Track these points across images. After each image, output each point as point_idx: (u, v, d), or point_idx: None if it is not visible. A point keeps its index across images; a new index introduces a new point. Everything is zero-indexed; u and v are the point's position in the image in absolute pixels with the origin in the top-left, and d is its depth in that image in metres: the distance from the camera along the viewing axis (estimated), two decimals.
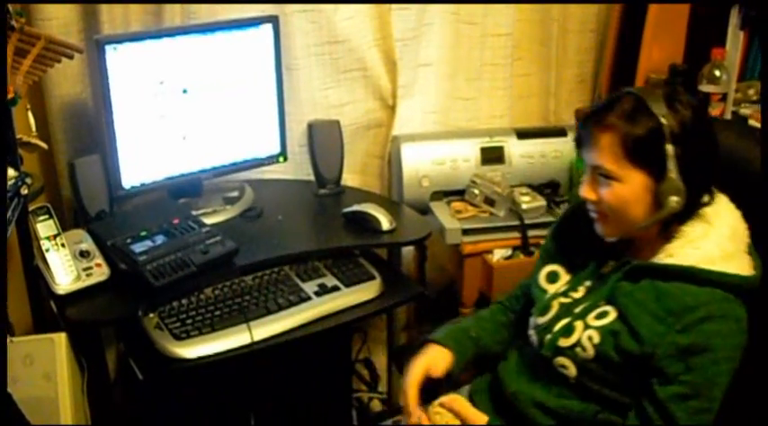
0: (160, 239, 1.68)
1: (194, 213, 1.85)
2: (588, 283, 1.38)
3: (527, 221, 2.08)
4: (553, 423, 1.35)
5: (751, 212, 1.33)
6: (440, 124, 2.34)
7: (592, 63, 2.46)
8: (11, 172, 1.41)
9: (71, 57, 1.64)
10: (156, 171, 1.88)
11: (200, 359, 1.54)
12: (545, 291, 1.43)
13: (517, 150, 2.22)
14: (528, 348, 1.45)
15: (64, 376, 1.70)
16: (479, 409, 1.38)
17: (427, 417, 1.39)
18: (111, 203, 1.84)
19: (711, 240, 1.27)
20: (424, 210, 2.15)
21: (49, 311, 1.72)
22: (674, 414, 1.21)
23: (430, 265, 2.37)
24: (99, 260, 1.67)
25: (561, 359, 1.33)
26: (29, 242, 1.75)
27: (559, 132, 2.28)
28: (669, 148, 1.22)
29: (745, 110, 2.06)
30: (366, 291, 1.76)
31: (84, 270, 1.65)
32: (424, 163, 2.17)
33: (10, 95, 1.46)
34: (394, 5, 2.14)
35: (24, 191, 1.42)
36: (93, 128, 1.95)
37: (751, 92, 2.12)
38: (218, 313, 1.63)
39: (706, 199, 1.30)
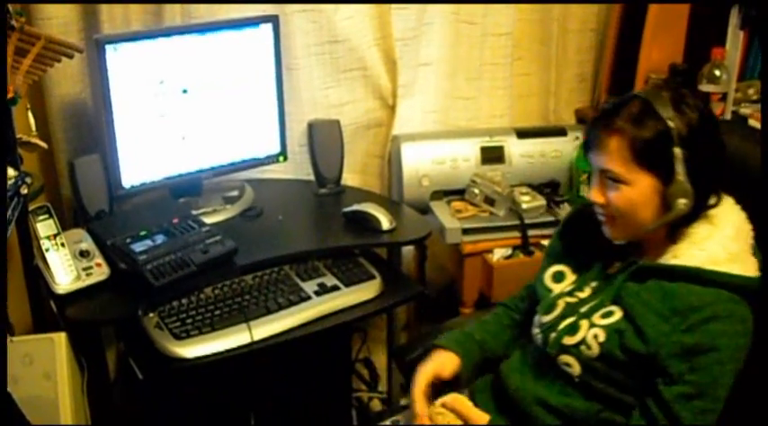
0: (160, 239, 1.68)
1: (194, 212, 1.85)
2: (594, 284, 1.38)
3: (527, 221, 2.08)
4: (556, 422, 1.35)
5: (750, 212, 1.33)
6: (440, 123, 2.34)
7: (592, 62, 2.46)
8: (11, 171, 1.40)
9: (71, 57, 1.64)
10: (155, 170, 1.88)
11: (200, 358, 1.54)
12: (550, 290, 1.43)
13: (517, 150, 2.22)
14: (531, 346, 1.45)
15: (64, 375, 1.70)
16: (481, 408, 1.38)
17: (429, 417, 1.39)
18: (111, 203, 1.84)
19: (716, 241, 1.28)
20: (424, 210, 2.15)
21: (49, 311, 1.72)
22: (679, 414, 1.21)
23: (430, 265, 2.38)
24: (99, 259, 1.67)
25: (565, 357, 1.33)
26: (29, 241, 1.75)
27: (559, 132, 2.28)
28: (677, 151, 1.23)
29: (745, 110, 2.06)
30: (366, 291, 1.76)
31: (84, 269, 1.65)
32: (424, 162, 2.17)
33: (10, 95, 1.46)
34: (394, 5, 2.14)
35: (24, 191, 1.42)
36: (93, 128, 1.95)
37: (751, 91, 2.12)
38: (218, 312, 1.63)
39: (713, 200, 1.31)
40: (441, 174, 2.17)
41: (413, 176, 2.16)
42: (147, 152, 1.84)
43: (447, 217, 2.10)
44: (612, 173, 1.27)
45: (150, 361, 1.56)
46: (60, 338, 1.71)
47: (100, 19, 1.86)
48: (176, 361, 1.54)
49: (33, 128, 1.76)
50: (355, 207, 1.94)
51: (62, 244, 1.65)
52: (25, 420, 1.45)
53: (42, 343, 1.71)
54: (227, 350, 1.57)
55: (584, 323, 1.32)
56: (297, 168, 2.20)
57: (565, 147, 2.24)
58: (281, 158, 2.07)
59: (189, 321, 1.60)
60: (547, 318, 1.39)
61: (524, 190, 2.16)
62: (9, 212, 1.38)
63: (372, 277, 1.79)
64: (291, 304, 1.68)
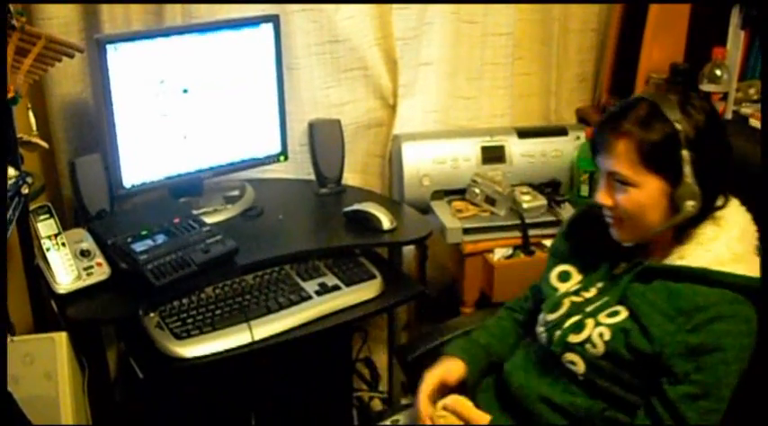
0: (161, 238, 1.68)
1: (195, 212, 1.85)
2: (600, 284, 1.39)
3: (528, 220, 2.08)
4: (560, 420, 1.35)
5: (750, 212, 1.34)
6: (440, 123, 2.34)
7: (593, 62, 2.46)
8: (11, 171, 1.40)
9: (72, 57, 1.64)
10: (156, 170, 1.88)
11: (200, 358, 1.54)
12: (556, 289, 1.44)
13: (518, 149, 2.22)
14: (535, 345, 1.45)
15: (64, 375, 1.70)
16: (484, 408, 1.38)
17: (430, 419, 1.39)
18: (112, 202, 1.85)
19: (721, 242, 1.28)
20: (425, 209, 2.15)
21: (50, 310, 1.72)
22: (685, 414, 1.21)
23: (431, 264, 2.38)
24: (99, 259, 1.68)
25: (570, 355, 1.33)
26: (29, 241, 1.75)
27: (560, 131, 2.27)
28: (684, 153, 1.23)
29: (745, 110, 2.05)
30: (367, 290, 1.76)
31: (85, 269, 1.65)
32: (425, 162, 2.17)
33: (10, 94, 1.46)
34: (394, 5, 2.14)
35: (25, 191, 1.42)
36: (93, 128, 1.95)
37: (752, 91, 2.11)
38: (218, 312, 1.63)
39: (720, 202, 1.31)
40: (441, 174, 2.17)
41: (413, 176, 2.16)
42: (147, 152, 1.84)
43: (448, 216, 2.10)
44: (620, 176, 1.27)
45: (151, 361, 1.56)
46: (61, 337, 1.71)
47: (100, 19, 1.86)
48: (177, 361, 1.53)
49: (34, 127, 1.76)
50: (356, 206, 1.94)
51: (63, 244, 1.65)
52: (26, 419, 1.45)
53: (43, 343, 1.71)
54: (228, 350, 1.57)
55: (589, 322, 1.33)
56: (297, 168, 2.20)
57: (566, 147, 2.24)
58: (281, 158, 2.07)
59: (189, 320, 1.60)
60: (552, 316, 1.39)
61: (525, 189, 2.16)
62: (10, 212, 1.38)
63: (373, 276, 1.79)
64: (292, 303, 1.68)
